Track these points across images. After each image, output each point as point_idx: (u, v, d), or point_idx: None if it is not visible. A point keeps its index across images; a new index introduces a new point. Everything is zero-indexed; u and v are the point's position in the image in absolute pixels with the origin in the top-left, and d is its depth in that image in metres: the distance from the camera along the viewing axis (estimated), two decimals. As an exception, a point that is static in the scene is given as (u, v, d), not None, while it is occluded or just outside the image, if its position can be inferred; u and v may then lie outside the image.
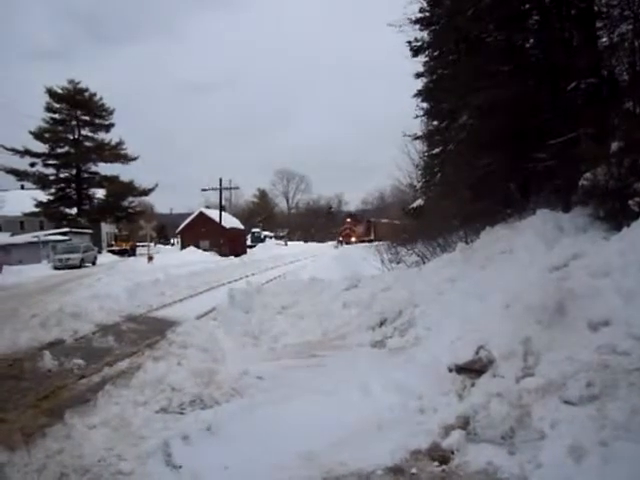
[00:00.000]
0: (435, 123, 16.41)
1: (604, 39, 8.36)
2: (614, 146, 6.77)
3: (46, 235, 40.94)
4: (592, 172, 6.93)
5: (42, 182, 50.34)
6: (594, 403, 3.63)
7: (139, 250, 49.58)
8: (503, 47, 8.67)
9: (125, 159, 52.67)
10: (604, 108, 7.54)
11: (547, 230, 6.85)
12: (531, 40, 9.25)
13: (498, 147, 8.93)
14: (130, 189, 52.73)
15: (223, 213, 51.80)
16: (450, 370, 4.99)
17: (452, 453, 3.78)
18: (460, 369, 4.94)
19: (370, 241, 48.61)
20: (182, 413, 5.00)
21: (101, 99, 52.64)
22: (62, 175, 52.07)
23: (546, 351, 4.40)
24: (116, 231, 56.90)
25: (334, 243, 69.01)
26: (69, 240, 39.39)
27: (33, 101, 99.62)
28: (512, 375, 4.38)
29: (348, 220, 75.37)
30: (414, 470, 3.64)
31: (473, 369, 4.85)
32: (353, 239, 64.98)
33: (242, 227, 63.62)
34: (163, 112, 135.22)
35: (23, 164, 48.51)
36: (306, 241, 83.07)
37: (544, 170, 8.39)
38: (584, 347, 4.06)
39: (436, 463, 3.70)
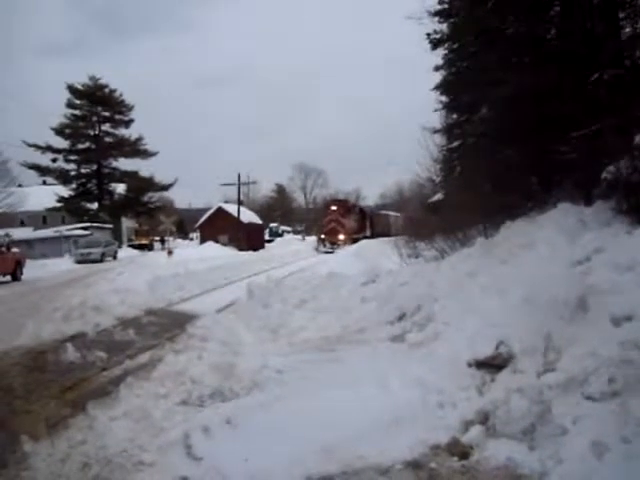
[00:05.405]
0: (454, 116, 16.24)
1: (627, 29, 8.21)
2: (638, 138, 6.65)
3: (68, 230, 41.71)
4: (615, 165, 6.80)
5: (63, 177, 51.30)
6: (616, 399, 3.58)
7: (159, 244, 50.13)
8: (524, 39, 8.53)
9: (145, 154, 53.40)
10: (627, 99, 7.39)
11: (569, 224, 6.75)
12: (553, 31, 9.10)
13: (519, 140, 8.82)
14: (150, 184, 53.39)
15: (241, 208, 52.01)
16: (470, 365, 4.95)
17: (472, 448, 3.76)
18: (480, 364, 4.91)
19: (365, 238, 43.73)
20: (202, 406, 5.05)
21: (121, 95, 53.58)
22: (83, 170, 53.00)
23: (567, 346, 4.35)
24: (136, 226, 57.55)
25: (315, 243, 47.71)
26: (90, 235, 40.12)
27: (49, 96, 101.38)
28: (533, 370, 4.35)
29: (333, 208, 48.33)
30: (433, 465, 3.63)
31: (493, 364, 4.82)
32: (341, 237, 45.17)
33: (260, 222, 63.83)
34: (180, 106, 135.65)
35: (45, 160, 49.50)
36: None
37: (566, 163, 8.26)
38: (606, 342, 4.00)
39: (455, 458, 3.69)
